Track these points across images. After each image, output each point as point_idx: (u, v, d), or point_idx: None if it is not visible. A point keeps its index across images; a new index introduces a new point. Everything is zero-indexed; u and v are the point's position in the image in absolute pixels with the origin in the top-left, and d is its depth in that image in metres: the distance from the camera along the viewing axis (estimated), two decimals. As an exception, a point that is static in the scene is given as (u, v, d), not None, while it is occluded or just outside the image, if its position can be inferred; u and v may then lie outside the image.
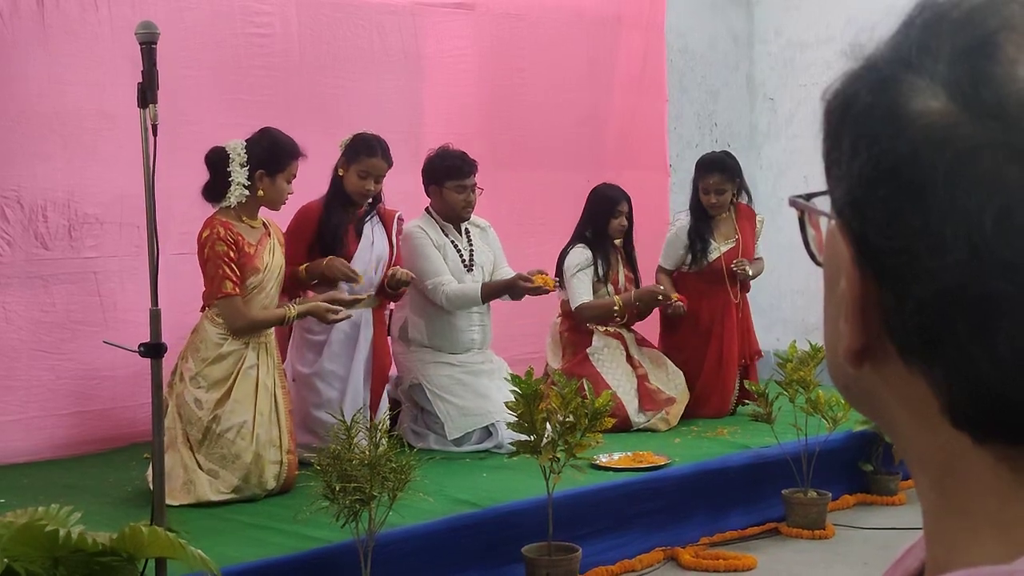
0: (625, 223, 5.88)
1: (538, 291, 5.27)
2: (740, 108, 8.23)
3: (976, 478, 0.56)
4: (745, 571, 4.44)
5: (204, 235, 4.44)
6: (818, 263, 0.63)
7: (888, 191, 0.55)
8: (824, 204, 0.61)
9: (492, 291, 5.31)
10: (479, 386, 5.26)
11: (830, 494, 5.05)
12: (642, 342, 6.01)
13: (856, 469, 5.49)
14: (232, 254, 4.41)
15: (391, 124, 5.36)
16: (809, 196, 0.63)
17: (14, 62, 5.05)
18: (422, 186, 5.40)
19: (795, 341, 5.26)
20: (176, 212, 5.36)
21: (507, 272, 5.50)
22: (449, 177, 5.29)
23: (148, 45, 3.23)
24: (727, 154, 6.19)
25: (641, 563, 4.46)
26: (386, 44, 6.24)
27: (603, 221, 5.84)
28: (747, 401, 5.83)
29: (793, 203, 0.64)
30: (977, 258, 0.52)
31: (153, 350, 3.26)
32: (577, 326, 5.87)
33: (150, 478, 3.86)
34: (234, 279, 4.40)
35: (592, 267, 5.78)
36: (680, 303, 5.83)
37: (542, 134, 6.47)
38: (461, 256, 5.38)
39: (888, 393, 0.59)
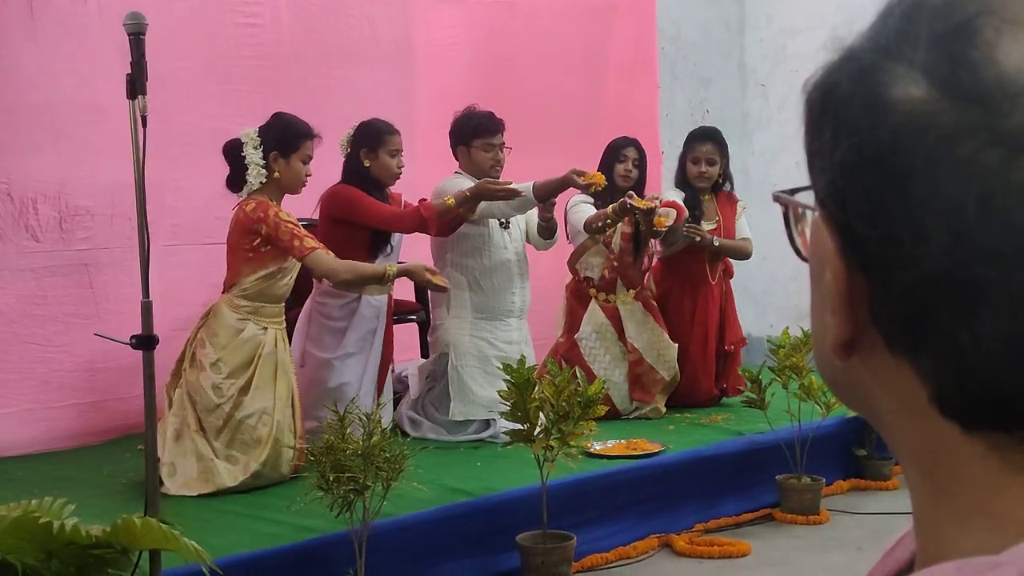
0: (631, 169, 5.75)
1: (590, 188, 5.13)
2: (732, 95, 8.23)
3: (965, 469, 0.56)
4: (739, 557, 4.45)
5: (250, 208, 4.44)
6: (803, 258, 0.63)
7: (870, 179, 0.55)
8: (808, 198, 0.61)
9: (545, 187, 5.11)
10: (499, 378, 5.15)
11: (824, 479, 5.07)
12: (649, 308, 5.83)
13: (850, 454, 5.50)
14: (294, 219, 4.48)
15: (383, 114, 5.33)
16: (793, 191, 0.63)
17: (3, 54, 5.03)
18: (414, 177, 5.38)
19: (788, 327, 5.27)
20: (167, 203, 5.35)
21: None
22: (476, 136, 5.28)
23: (137, 36, 3.22)
24: (716, 129, 6.18)
25: (636, 550, 4.46)
26: (377, 34, 6.22)
27: (609, 169, 5.71)
28: (741, 388, 5.81)
29: (777, 198, 0.64)
30: (960, 244, 0.52)
31: (144, 342, 3.25)
32: (578, 290, 5.81)
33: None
34: (311, 236, 4.48)
35: (592, 204, 5.62)
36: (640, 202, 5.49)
37: (534, 122, 6.46)
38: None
39: (876, 385, 0.59)
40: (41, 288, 5.16)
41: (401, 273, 4.79)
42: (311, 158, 4.59)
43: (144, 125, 3.19)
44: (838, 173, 0.56)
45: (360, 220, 4.89)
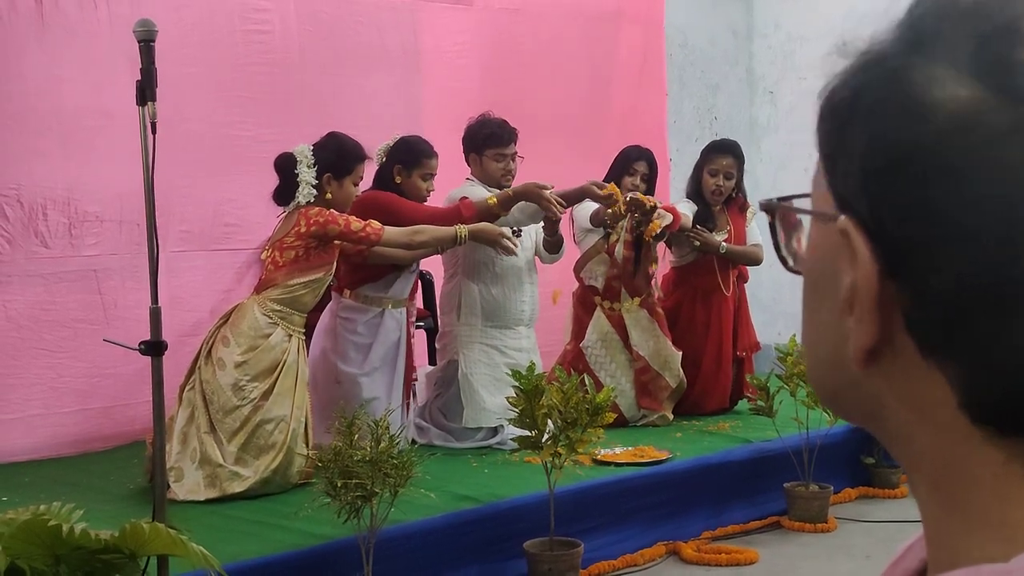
0: (639, 184, 5.70)
1: (608, 199, 5.15)
2: (740, 102, 8.23)
3: (980, 479, 0.55)
4: (747, 565, 4.44)
5: (314, 212, 4.45)
6: (789, 267, 0.62)
7: (908, 182, 0.54)
8: (805, 204, 0.61)
9: (562, 197, 5.10)
10: (508, 385, 5.15)
11: (832, 487, 5.05)
12: (654, 315, 5.78)
13: (857, 462, 5.49)
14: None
15: (390, 121, 5.36)
16: (787, 199, 0.62)
17: (12, 60, 5.05)
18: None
19: (795, 335, 5.25)
20: (176, 210, 5.37)
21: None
22: (488, 145, 5.30)
23: (146, 43, 3.23)
24: (736, 143, 6.16)
25: (643, 557, 4.46)
26: (385, 41, 6.24)
27: (617, 178, 5.69)
28: (748, 395, 5.81)
29: (765, 207, 0.63)
30: (1005, 245, 0.51)
31: (153, 348, 3.26)
32: (584, 298, 5.80)
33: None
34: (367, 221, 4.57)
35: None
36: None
37: (542, 129, 6.47)
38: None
39: (891, 394, 0.58)
40: (50, 294, 5.18)
41: (473, 234, 4.83)
42: (362, 179, 4.67)
43: (153, 132, 3.20)
44: (872, 177, 0.55)
45: (402, 223, 4.88)
